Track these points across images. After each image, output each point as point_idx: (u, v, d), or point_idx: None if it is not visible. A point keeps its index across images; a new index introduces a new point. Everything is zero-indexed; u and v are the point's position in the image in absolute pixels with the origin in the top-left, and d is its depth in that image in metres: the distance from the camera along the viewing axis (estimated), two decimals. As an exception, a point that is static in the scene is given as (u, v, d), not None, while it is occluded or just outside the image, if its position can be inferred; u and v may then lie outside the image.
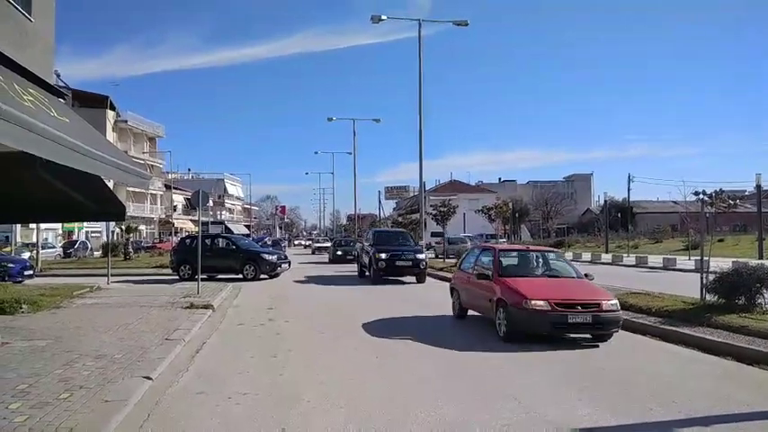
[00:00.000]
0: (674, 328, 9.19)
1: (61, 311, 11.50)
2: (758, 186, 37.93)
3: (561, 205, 78.32)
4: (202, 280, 16.14)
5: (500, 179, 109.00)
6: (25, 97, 4.28)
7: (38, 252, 27.89)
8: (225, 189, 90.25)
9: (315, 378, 6.55)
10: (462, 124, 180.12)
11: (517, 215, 66.19)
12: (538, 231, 74.41)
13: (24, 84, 5.12)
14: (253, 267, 20.79)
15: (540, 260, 10.64)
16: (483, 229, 50.08)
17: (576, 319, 8.28)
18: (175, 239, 37.33)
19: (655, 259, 30.19)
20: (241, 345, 8.68)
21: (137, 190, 54.25)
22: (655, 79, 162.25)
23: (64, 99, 8.56)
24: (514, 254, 11.17)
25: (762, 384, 6.59)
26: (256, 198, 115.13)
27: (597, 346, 8.57)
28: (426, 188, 56.44)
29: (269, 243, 44.02)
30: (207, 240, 20.96)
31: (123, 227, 34.14)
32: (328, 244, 45.61)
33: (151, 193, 62.88)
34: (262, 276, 20.84)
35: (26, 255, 27.59)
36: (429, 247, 36.55)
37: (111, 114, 50.30)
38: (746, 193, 57.26)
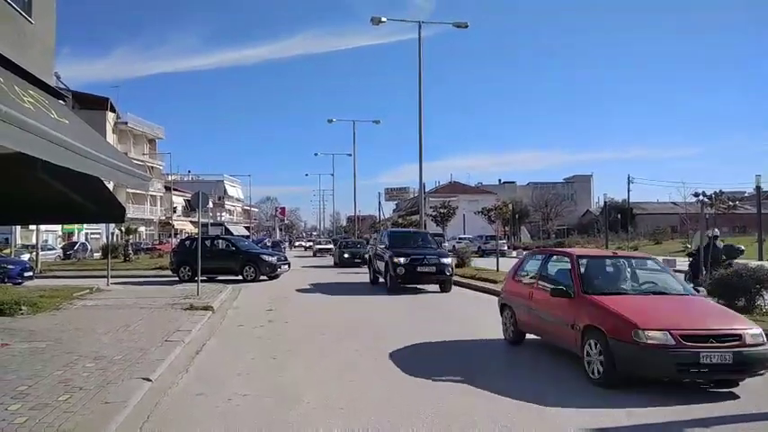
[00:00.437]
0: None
1: (61, 313, 11.50)
2: (758, 187, 37.97)
3: (561, 206, 78.37)
4: (202, 281, 16.13)
5: (500, 180, 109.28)
6: (25, 99, 4.28)
7: (37, 254, 27.95)
8: (225, 190, 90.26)
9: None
10: (462, 125, 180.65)
11: (517, 216, 66.29)
12: (538, 232, 74.39)
13: (24, 85, 5.12)
14: (252, 269, 20.78)
15: (636, 270, 7.88)
16: (483, 230, 49.95)
17: (713, 359, 5.75)
18: (175, 241, 37.23)
19: (655, 260, 30.00)
20: (241, 346, 8.67)
21: (137, 191, 54.23)
22: (655, 80, 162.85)
23: (64, 101, 8.54)
24: (600, 262, 8.12)
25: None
26: (256, 199, 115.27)
27: (734, 395, 6.00)
28: (426, 189, 56.58)
29: (269, 244, 43.86)
30: (207, 242, 20.91)
31: (123, 228, 34.15)
32: (331, 246, 44.31)
33: (151, 195, 62.84)
34: (261, 278, 20.81)
35: (26, 256, 27.58)
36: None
37: (111, 116, 50.29)
38: (746, 195, 57.27)
